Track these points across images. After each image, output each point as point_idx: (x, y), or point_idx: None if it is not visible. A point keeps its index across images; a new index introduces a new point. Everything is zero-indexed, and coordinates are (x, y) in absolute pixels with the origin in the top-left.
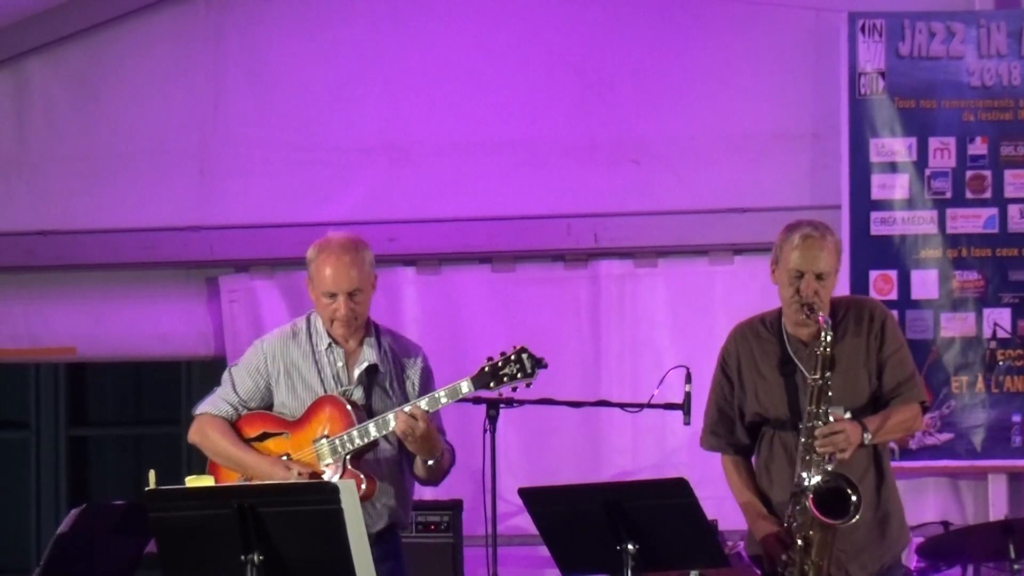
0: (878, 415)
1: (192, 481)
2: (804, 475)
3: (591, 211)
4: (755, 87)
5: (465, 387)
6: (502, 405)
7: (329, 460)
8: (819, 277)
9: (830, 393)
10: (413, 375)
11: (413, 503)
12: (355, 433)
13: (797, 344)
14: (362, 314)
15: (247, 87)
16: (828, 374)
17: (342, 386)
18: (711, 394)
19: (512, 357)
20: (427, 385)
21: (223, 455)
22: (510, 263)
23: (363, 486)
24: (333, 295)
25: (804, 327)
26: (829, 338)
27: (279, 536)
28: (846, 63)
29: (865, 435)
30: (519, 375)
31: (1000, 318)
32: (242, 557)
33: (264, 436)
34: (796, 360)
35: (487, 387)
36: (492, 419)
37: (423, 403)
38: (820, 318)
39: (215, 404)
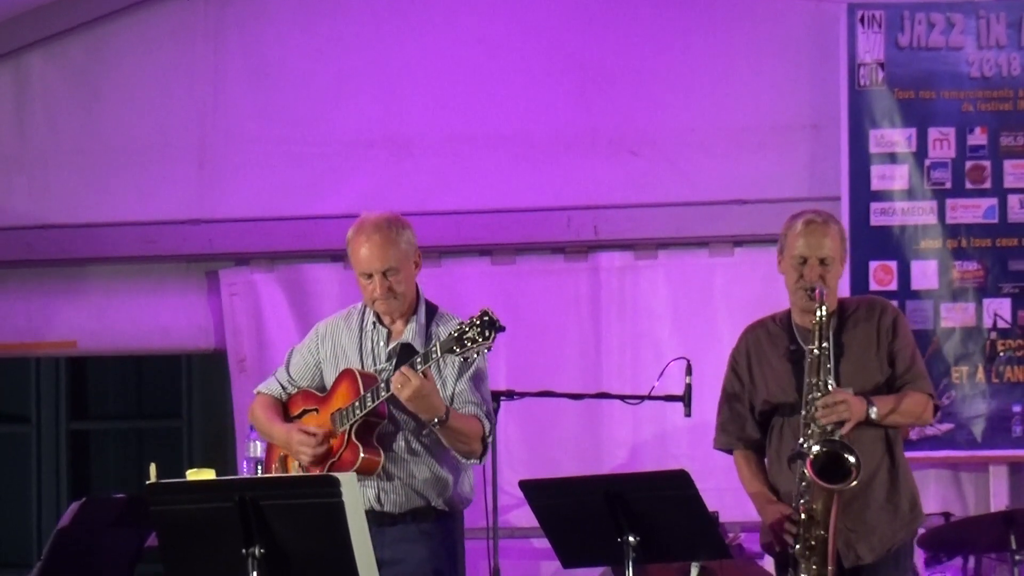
0: (888, 396)
1: (193, 474)
2: (802, 441)
3: (591, 203)
4: (755, 78)
5: (434, 352)
6: (503, 397)
7: (338, 433)
8: (823, 262)
9: (829, 364)
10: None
11: None
12: (356, 403)
13: (805, 333)
14: (403, 292)
15: (247, 81)
16: (825, 345)
17: (379, 363)
18: (722, 394)
19: (476, 321)
20: (463, 366)
21: (262, 430)
22: (510, 256)
23: (361, 455)
24: (369, 275)
25: (810, 314)
26: (824, 310)
27: (280, 529)
28: (845, 54)
29: (871, 409)
30: (479, 339)
31: (1000, 308)
32: (243, 550)
33: (304, 413)
34: (804, 347)
35: (452, 351)
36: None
37: (418, 360)
38: (816, 291)
39: (268, 383)
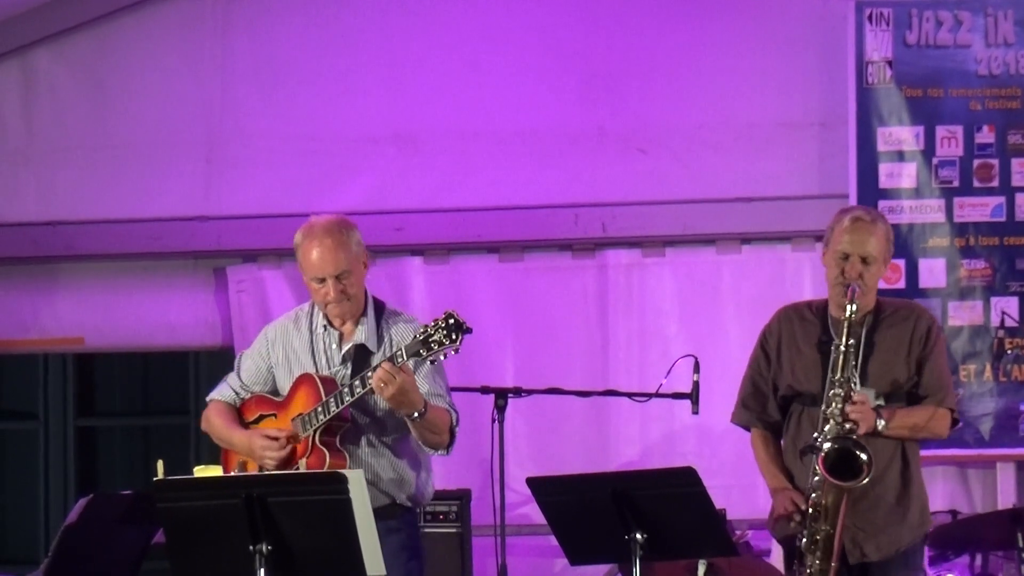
0: (904, 409)
1: (201, 471)
2: (817, 435)
3: (599, 200)
4: (762, 76)
5: (400, 357)
6: (510, 395)
7: (301, 437)
8: (864, 261)
9: (854, 363)
10: None
11: None
12: (319, 408)
13: (840, 327)
14: (354, 295)
15: (254, 77)
16: (852, 341)
17: (334, 367)
18: (747, 370)
19: (441, 324)
20: (419, 361)
21: (219, 437)
22: (518, 253)
23: (327, 460)
24: (322, 279)
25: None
26: (855, 307)
27: (287, 526)
28: (853, 52)
29: (879, 422)
30: (445, 341)
31: (1008, 306)
32: (250, 547)
33: (260, 418)
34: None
35: (418, 355)
36: (500, 409)
37: (401, 355)
38: (850, 287)
39: (220, 390)
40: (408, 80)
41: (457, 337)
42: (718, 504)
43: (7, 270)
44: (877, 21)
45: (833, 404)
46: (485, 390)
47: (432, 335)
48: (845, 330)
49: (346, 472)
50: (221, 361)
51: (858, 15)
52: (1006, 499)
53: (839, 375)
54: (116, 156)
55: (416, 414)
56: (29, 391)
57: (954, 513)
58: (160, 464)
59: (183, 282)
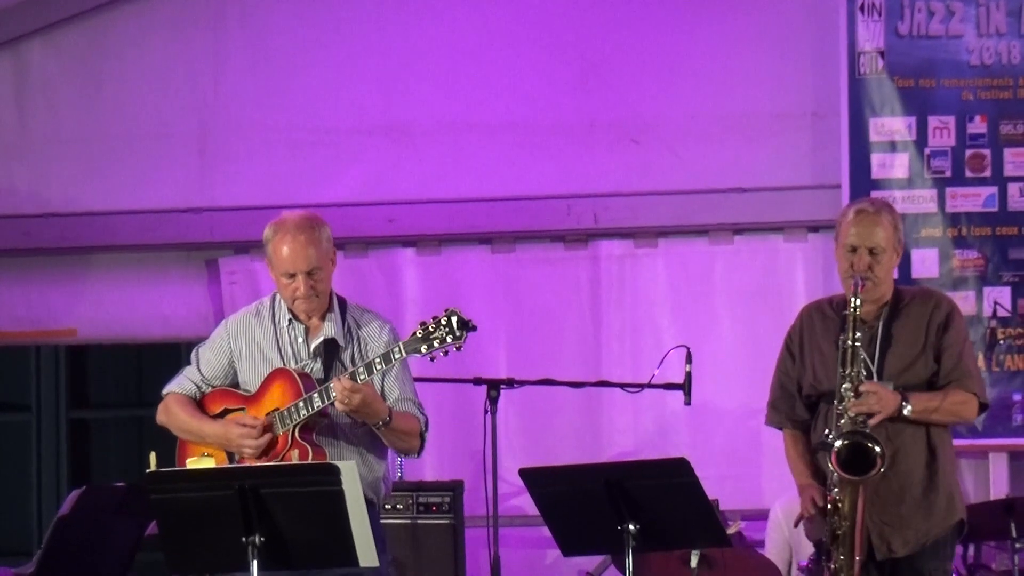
0: (930, 392)
1: (193, 463)
2: (828, 431)
3: (591, 191)
4: (755, 67)
5: (397, 353)
6: (503, 386)
7: (280, 432)
8: (872, 252)
9: (863, 356)
10: (377, 349)
11: (414, 484)
12: (300, 404)
13: (848, 321)
14: (323, 291)
15: (247, 69)
16: (858, 335)
17: (300, 361)
18: (775, 372)
19: (443, 320)
20: (389, 367)
21: (185, 429)
22: (510, 244)
23: (310, 455)
24: (292, 275)
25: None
26: (860, 302)
27: (280, 517)
28: (845, 42)
29: (905, 405)
30: (448, 338)
31: (1000, 297)
32: (244, 538)
33: (225, 412)
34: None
35: (418, 352)
36: (493, 400)
37: (361, 370)
38: (854, 281)
39: (180, 383)
40: (401, 72)
41: (462, 335)
42: (711, 495)
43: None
44: (869, 11)
45: (845, 400)
46: (478, 381)
47: (432, 332)
48: (851, 325)
49: (339, 463)
50: None
51: (850, 5)
52: (999, 489)
53: (849, 370)
54: (109, 148)
55: (380, 423)
56: (22, 383)
57: None
58: (153, 456)
59: (176, 274)
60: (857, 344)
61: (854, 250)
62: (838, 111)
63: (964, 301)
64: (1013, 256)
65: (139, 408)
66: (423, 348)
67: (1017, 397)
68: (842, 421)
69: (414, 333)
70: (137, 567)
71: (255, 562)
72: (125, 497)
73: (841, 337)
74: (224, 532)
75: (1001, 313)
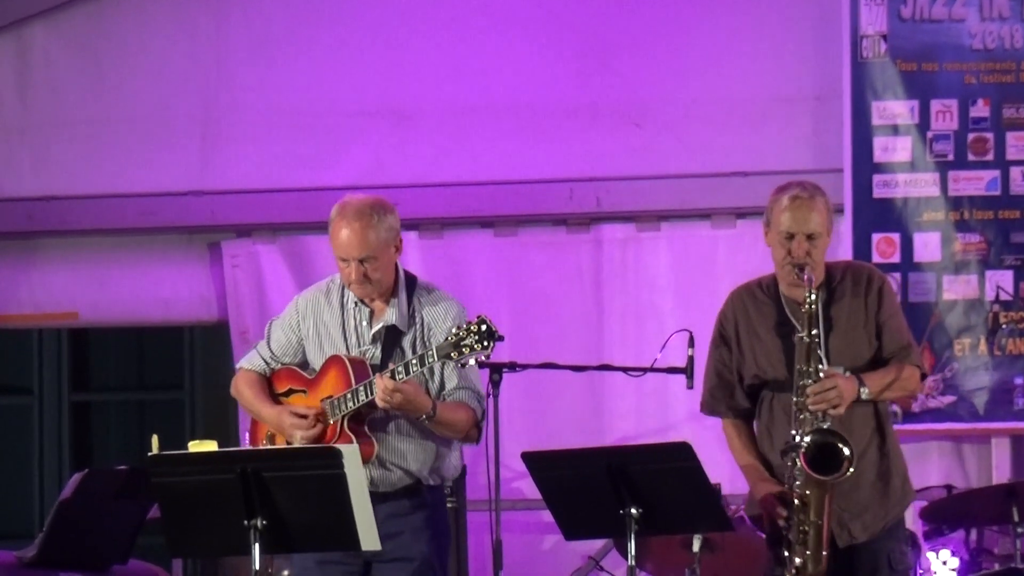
0: (877, 371)
1: (195, 446)
2: (795, 433)
3: (594, 175)
4: (757, 50)
5: (430, 357)
6: (505, 369)
7: (331, 421)
8: (810, 237)
9: (820, 351)
10: (439, 336)
11: None
12: (348, 395)
13: (793, 305)
14: (379, 279)
15: (249, 52)
16: (816, 331)
17: (363, 345)
18: (709, 359)
19: (473, 328)
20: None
21: (249, 408)
22: (512, 227)
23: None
24: (346, 260)
25: (798, 288)
26: (815, 295)
27: (282, 501)
28: (848, 26)
29: (862, 389)
30: (477, 346)
31: (1003, 280)
32: (245, 522)
33: (290, 392)
34: (793, 321)
35: (449, 358)
36: (495, 384)
37: (400, 370)
38: (804, 276)
39: (250, 359)
40: (403, 55)
41: (489, 344)
42: (713, 479)
43: (1, 244)
44: None
45: (804, 396)
46: (480, 365)
47: (463, 339)
48: (807, 320)
49: (341, 447)
50: (216, 336)
51: None
52: (1001, 474)
53: (808, 365)
54: (111, 131)
55: (424, 417)
56: (23, 366)
57: (949, 488)
58: (155, 439)
59: (178, 257)
60: (815, 339)
61: (791, 237)
62: (840, 95)
63: (966, 285)
64: (1015, 240)
65: (141, 391)
66: (454, 354)
67: (1019, 381)
68: (802, 416)
69: (446, 338)
70: (139, 550)
71: (257, 546)
72: (127, 480)
73: (798, 334)
74: (226, 516)
75: (1003, 297)
